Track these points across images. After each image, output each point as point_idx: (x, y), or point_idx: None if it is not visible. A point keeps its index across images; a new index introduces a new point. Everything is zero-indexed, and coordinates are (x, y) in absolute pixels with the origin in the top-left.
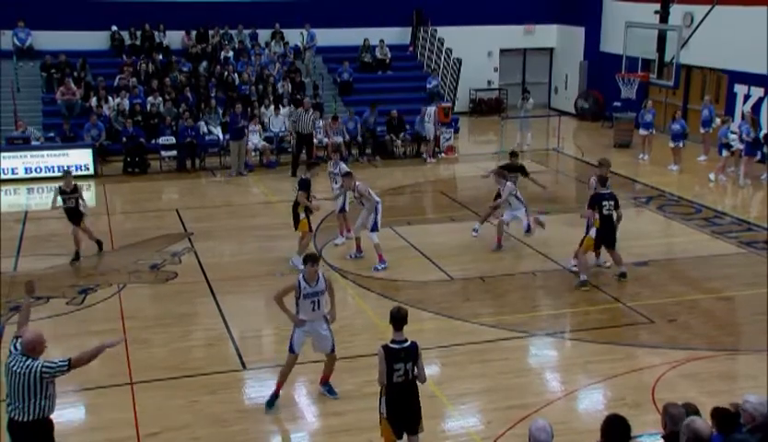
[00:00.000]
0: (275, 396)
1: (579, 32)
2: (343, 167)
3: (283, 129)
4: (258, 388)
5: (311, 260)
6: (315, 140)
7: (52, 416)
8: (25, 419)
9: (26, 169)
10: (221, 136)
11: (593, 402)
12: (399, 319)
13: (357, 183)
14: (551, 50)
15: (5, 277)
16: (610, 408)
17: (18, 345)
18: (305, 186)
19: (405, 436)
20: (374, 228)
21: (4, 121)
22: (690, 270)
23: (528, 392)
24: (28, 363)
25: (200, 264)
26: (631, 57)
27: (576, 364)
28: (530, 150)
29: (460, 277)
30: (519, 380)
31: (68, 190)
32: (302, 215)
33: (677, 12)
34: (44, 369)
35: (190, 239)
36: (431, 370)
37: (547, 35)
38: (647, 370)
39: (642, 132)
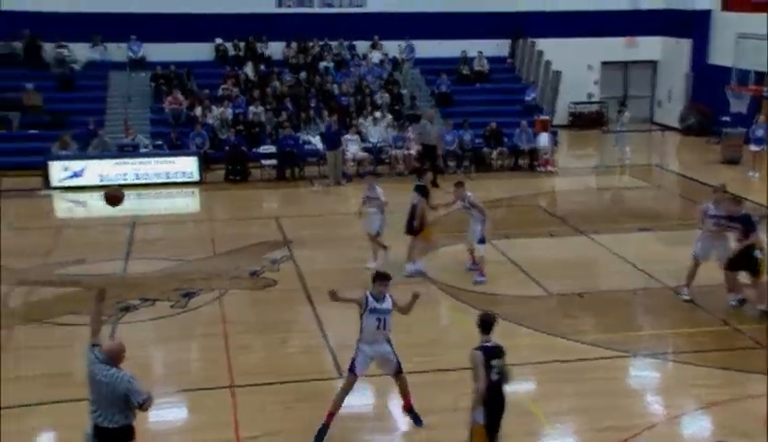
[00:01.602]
0: (325, 428)
1: (685, 44)
2: (378, 190)
3: (380, 139)
4: (353, 396)
5: (381, 278)
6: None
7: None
8: (110, 426)
9: (135, 175)
10: (320, 146)
11: (699, 429)
12: (489, 322)
13: (468, 193)
14: (654, 62)
15: (116, 279)
16: (717, 435)
17: (99, 353)
18: (425, 192)
19: None
20: (481, 241)
21: (116, 129)
22: None
23: (627, 414)
24: (112, 373)
25: (298, 272)
26: (742, 70)
27: (680, 387)
28: (630, 165)
29: (559, 293)
30: (618, 401)
31: None
32: (419, 222)
33: None
34: (128, 388)
35: (288, 247)
36: (527, 386)
37: (651, 47)
38: (760, 399)
39: (753, 148)
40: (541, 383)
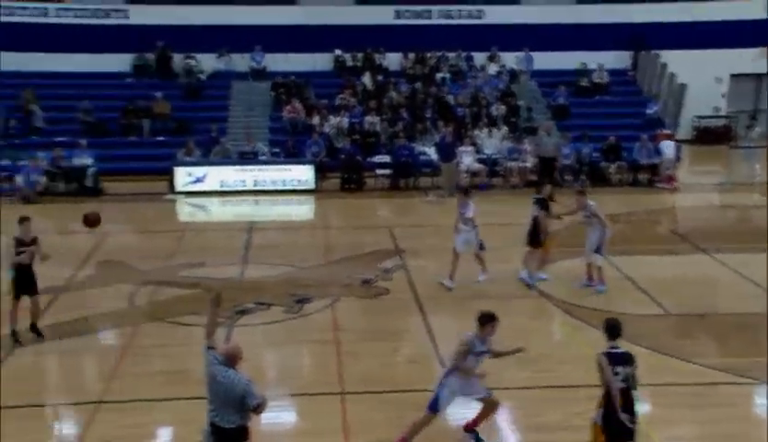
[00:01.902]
0: None
1: None
2: (471, 207)
3: (496, 152)
4: (463, 408)
5: (491, 320)
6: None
7: (263, 418)
8: (226, 426)
9: (254, 182)
10: (434, 157)
11: None
12: (615, 328)
13: (590, 203)
14: None
15: (233, 283)
16: None
17: (217, 355)
18: (545, 205)
19: None
20: (598, 251)
21: (237, 136)
22: None
23: None
24: (230, 374)
25: (410, 282)
26: None
27: None
28: (761, 183)
29: (678, 313)
30: (742, 429)
31: (27, 239)
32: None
33: None
34: (244, 390)
35: (401, 257)
36: (643, 408)
37: None
38: None
39: None
40: (657, 406)
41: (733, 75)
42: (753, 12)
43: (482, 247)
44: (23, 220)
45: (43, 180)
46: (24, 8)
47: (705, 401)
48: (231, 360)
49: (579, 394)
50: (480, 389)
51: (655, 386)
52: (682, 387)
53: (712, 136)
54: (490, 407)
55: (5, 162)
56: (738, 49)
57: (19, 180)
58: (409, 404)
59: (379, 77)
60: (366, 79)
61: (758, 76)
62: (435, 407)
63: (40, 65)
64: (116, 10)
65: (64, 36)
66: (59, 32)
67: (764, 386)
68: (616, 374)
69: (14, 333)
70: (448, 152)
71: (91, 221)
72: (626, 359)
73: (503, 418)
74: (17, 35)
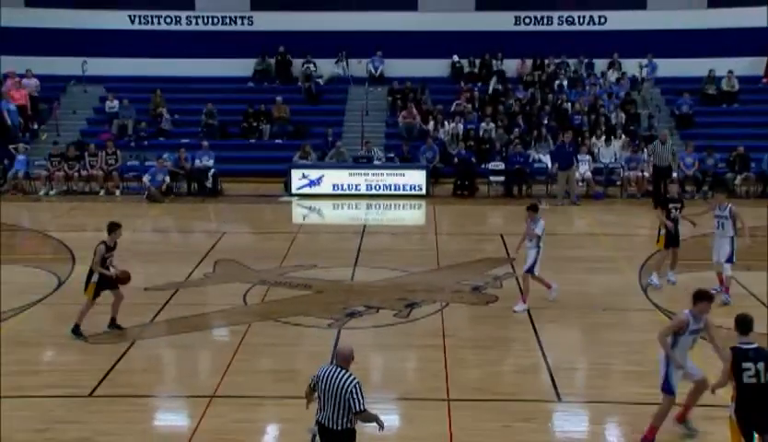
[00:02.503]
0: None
1: None
2: (540, 223)
3: (613, 160)
4: (573, 421)
5: (706, 298)
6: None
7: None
8: (334, 427)
9: (367, 187)
10: (549, 164)
11: None
12: (746, 323)
13: (729, 205)
14: None
15: (344, 285)
16: None
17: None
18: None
19: None
20: (729, 260)
21: (352, 140)
22: None
23: None
24: (341, 375)
25: (520, 290)
26: None
27: None
28: None
29: None
30: None
31: (112, 246)
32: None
33: None
34: (352, 391)
35: (512, 265)
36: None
37: None
38: None
39: None
40: None
41: None
42: None
43: (531, 270)
44: (115, 227)
45: (167, 180)
46: (158, 16)
47: None
48: (344, 360)
49: (694, 413)
50: (695, 369)
51: None
52: None
53: None
54: (701, 387)
55: (134, 162)
56: None
57: (146, 179)
58: (515, 414)
59: (498, 86)
60: (494, 82)
61: None
62: (668, 389)
63: (169, 70)
64: (242, 16)
65: (193, 42)
66: (189, 39)
67: None
68: (746, 369)
69: (77, 328)
70: (565, 160)
71: (122, 280)
72: (758, 355)
73: (613, 433)
74: (152, 42)
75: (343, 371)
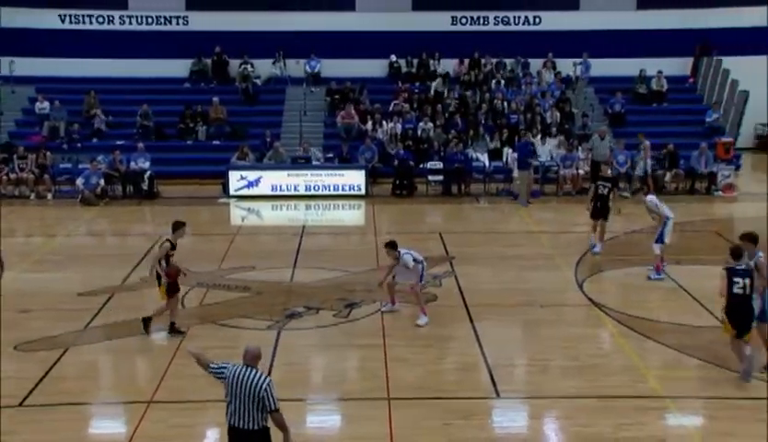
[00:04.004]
0: None
1: None
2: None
3: (549, 159)
4: (511, 417)
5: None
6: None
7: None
8: (248, 427)
9: (306, 187)
10: (487, 163)
11: None
12: (738, 251)
13: (647, 198)
14: None
15: (283, 286)
16: None
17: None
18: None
19: None
20: (659, 240)
21: (291, 141)
22: None
23: None
24: (252, 374)
25: (459, 289)
26: None
27: None
28: None
29: None
30: None
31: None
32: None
33: None
34: (267, 389)
35: (451, 264)
36: (697, 421)
37: None
38: None
39: None
40: (712, 419)
41: None
42: None
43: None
44: (180, 225)
45: (102, 182)
46: (90, 16)
47: (764, 415)
48: (253, 359)
49: (628, 405)
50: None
51: (710, 399)
52: (740, 401)
53: None
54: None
55: (67, 165)
56: None
57: (79, 182)
58: (455, 411)
59: (442, 89)
60: (438, 84)
61: None
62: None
63: (103, 71)
64: (177, 17)
65: (126, 42)
66: (122, 39)
67: None
68: (735, 282)
69: (172, 327)
70: (525, 161)
71: (172, 274)
72: (746, 274)
73: (551, 428)
74: (84, 42)
75: (254, 370)
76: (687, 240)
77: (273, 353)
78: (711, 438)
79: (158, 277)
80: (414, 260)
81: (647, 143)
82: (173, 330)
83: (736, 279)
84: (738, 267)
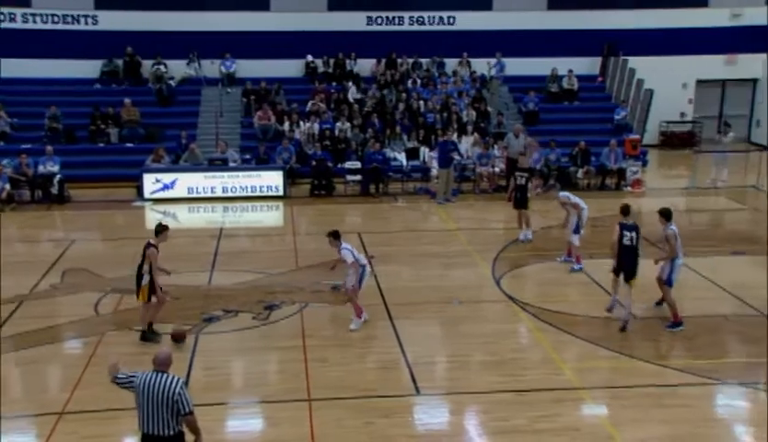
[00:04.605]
0: None
1: None
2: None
3: (465, 157)
4: (432, 414)
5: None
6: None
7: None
8: (163, 433)
9: (223, 189)
10: (405, 162)
11: None
12: (627, 209)
13: (559, 194)
14: (754, 80)
15: (201, 290)
16: None
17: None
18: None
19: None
20: (576, 231)
21: (207, 142)
22: None
23: None
24: (164, 379)
25: (379, 288)
26: None
27: None
28: (726, 187)
29: (644, 316)
30: (705, 431)
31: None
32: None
33: None
34: (180, 393)
35: (371, 263)
36: (609, 411)
37: (751, 65)
38: None
39: None
40: (623, 407)
41: (699, 81)
42: (718, 20)
43: (335, 288)
44: (164, 229)
45: (8, 187)
46: None
47: (671, 402)
48: (164, 365)
49: (544, 397)
50: None
51: (620, 388)
52: (649, 388)
53: (678, 141)
54: None
55: None
56: (703, 55)
57: None
58: (377, 410)
59: (351, 84)
60: (353, 92)
61: (723, 82)
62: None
63: (6, 71)
64: (85, 16)
65: (32, 41)
66: (27, 38)
67: (727, 386)
68: (624, 235)
69: (150, 329)
70: (446, 159)
71: (178, 337)
72: (633, 228)
73: (471, 423)
74: None
75: (166, 375)
76: (599, 235)
77: (191, 357)
78: (621, 426)
79: (139, 279)
80: (356, 259)
81: (530, 139)
82: (146, 335)
83: (625, 232)
84: (627, 223)
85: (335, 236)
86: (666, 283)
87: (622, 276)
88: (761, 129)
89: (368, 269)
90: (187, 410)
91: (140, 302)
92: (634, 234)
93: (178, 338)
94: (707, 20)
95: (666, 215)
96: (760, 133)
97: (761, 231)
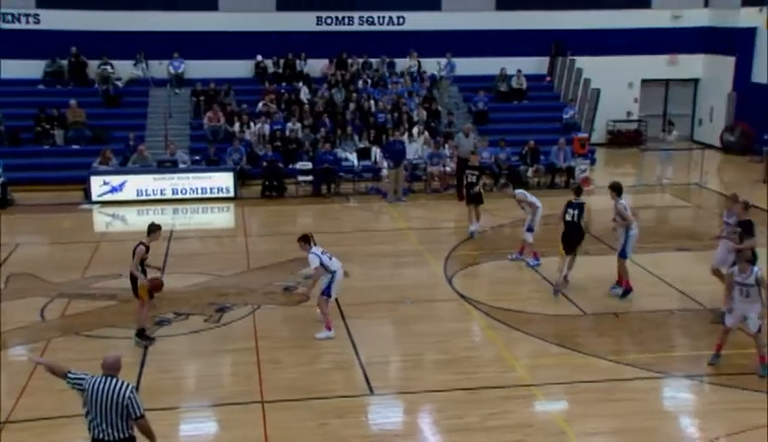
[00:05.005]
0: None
1: (728, 62)
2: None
3: (416, 157)
4: (385, 413)
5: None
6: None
7: (183, 430)
8: (113, 438)
9: (173, 191)
10: (356, 162)
11: None
12: (579, 189)
13: (516, 191)
14: (696, 80)
15: None
16: None
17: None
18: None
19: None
20: (530, 229)
21: (156, 144)
22: None
23: (662, 437)
24: (113, 383)
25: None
26: None
27: (716, 410)
28: (671, 184)
29: (594, 312)
30: (653, 423)
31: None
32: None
33: None
34: (130, 397)
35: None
36: (560, 406)
37: (692, 65)
38: None
39: None
40: (573, 403)
41: (644, 81)
42: (660, 21)
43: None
44: (155, 228)
45: None
46: None
47: (621, 396)
48: (113, 369)
49: (497, 395)
50: (753, 315)
51: (571, 384)
52: (598, 383)
53: (624, 139)
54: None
55: None
56: (647, 56)
57: None
58: (330, 411)
59: (301, 84)
60: (305, 91)
61: (666, 82)
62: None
63: None
64: (26, 14)
65: None
66: None
67: (673, 379)
68: (568, 212)
69: (142, 333)
70: (396, 157)
71: (155, 288)
72: (577, 206)
73: (425, 421)
74: None
75: (115, 379)
76: (549, 233)
77: (141, 362)
78: (572, 421)
79: (134, 280)
80: (323, 265)
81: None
82: (143, 335)
83: (569, 209)
84: (573, 201)
85: (305, 240)
86: (621, 255)
87: (569, 255)
88: (703, 127)
89: (339, 275)
90: (138, 413)
91: (138, 301)
92: (576, 211)
93: (155, 288)
94: (650, 21)
95: (616, 189)
96: (702, 132)
97: (704, 227)
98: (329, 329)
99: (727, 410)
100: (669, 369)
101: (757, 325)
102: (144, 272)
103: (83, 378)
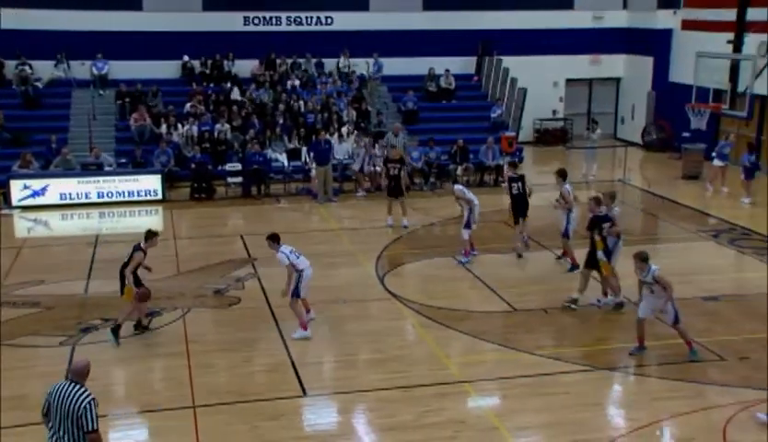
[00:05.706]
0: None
1: (648, 62)
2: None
3: (347, 157)
4: (318, 414)
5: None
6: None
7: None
8: None
9: (98, 194)
10: (286, 163)
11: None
12: (514, 165)
13: (455, 187)
14: (618, 80)
15: (77, 299)
16: None
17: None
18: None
19: None
20: (467, 226)
21: (79, 147)
22: (763, 306)
23: (591, 428)
24: (75, 390)
25: (263, 290)
26: (702, 87)
27: (642, 400)
28: (596, 181)
29: (523, 309)
30: (582, 415)
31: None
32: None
33: (752, 41)
34: (86, 408)
35: (253, 265)
36: (492, 401)
37: (614, 65)
38: (717, 410)
39: (717, 163)
40: (505, 398)
41: (568, 80)
42: (582, 22)
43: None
44: (153, 235)
45: None
46: None
47: (550, 390)
48: (79, 375)
49: (430, 392)
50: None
51: (502, 379)
52: (529, 378)
53: (551, 137)
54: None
55: None
56: (571, 55)
57: None
58: (264, 413)
59: (229, 85)
60: (235, 92)
61: (590, 81)
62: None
63: None
64: None
65: None
66: None
67: (602, 372)
68: (512, 186)
69: (139, 323)
70: (323, 157)
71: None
72: (518, 179)
73: (360, 421)
74: None
75: (78, 386)
76: (478, 231)
77: (68, 369)
78: (504, 416)
79: (123, 280)
80: (291, 263)
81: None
82: (139, 325)
83: (513, 184)
84: (513, 175)
85: (273, 239)
86: (563, 235)
87: (521, 221)
88: (625, 125)
89: (308, 273)
90: (90, 427)
91: (124, 301)
92: (519, 184)
93: (142, 298)
94: (573, 22)
95: (562, 174)
96: (625, 130)
97: (627, 223)
98: (304, 328)
99: (651, 399)
100: (597, 362)
101: (673, 316)
102: (137, 279)
103: (49, 393)
